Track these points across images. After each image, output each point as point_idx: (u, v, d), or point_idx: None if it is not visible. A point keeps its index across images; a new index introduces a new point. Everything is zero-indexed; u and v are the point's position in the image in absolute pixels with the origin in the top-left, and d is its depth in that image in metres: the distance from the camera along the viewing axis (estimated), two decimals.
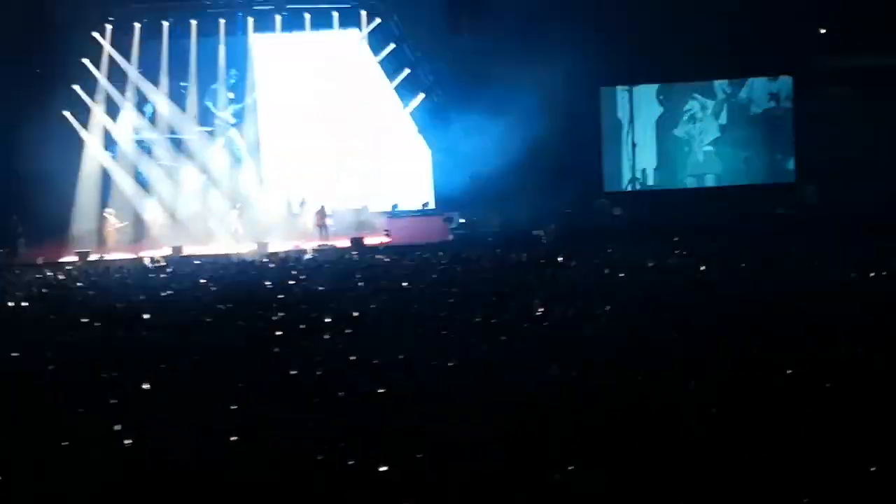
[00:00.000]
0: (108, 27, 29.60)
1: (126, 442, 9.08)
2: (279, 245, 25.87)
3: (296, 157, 29.89)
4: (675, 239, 19.86)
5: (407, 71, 29.77)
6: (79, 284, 19.41)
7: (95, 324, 15.01)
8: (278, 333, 13.64)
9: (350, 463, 8.28)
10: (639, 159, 29.00)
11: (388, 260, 21.14)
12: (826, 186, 25.99)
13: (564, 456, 8.03)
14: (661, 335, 12.39)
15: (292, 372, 11.50)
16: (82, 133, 28.61)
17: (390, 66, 29.99)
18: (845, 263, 16.64)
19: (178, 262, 23.13)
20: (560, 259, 19.42)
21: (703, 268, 17.27)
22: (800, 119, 27.91)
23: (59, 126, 28.04)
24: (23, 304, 17.55)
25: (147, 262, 22.66)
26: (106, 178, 28.99)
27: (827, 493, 6.99)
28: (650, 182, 29.19)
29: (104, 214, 27.22)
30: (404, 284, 17.50)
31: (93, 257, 24.83)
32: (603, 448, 8.24)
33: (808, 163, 27.34)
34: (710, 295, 14.74)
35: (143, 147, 29.87)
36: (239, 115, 30.27)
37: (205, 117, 30.17)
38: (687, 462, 7.89)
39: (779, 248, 18.94)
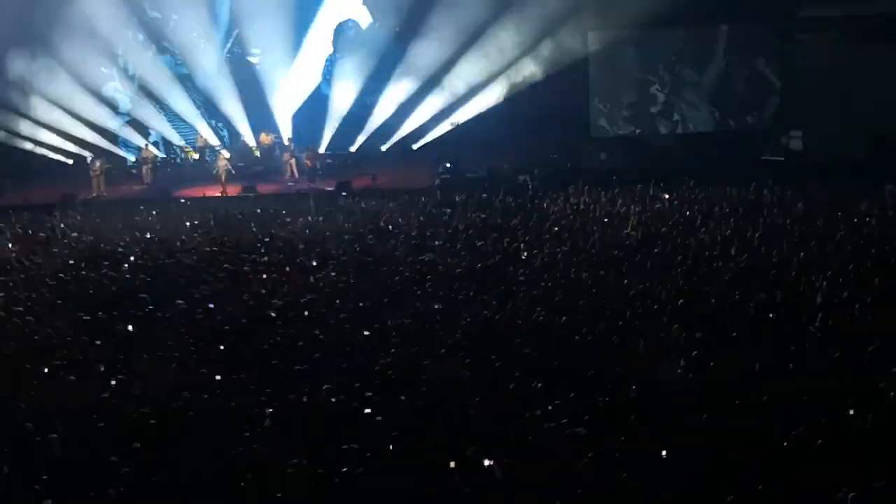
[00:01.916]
0: None
1: (112, 382, 9.19)
2: (267, 187, 25.78)
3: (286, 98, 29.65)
4: (661, 184, 19.90)
5: None
6: (62, 226, 19.36)
7: (81, 265, 15.01)
8: (263, 276, 13.70)
9: (333, 401, 8.39)
10: (625, 104, 28.87)
11: (374, 203, 21.13)
12: (811, 133, 26.02)
13: (549, 402, 8.15)
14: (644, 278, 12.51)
15: (272, 313, 11.57)
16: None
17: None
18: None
19: (166, 203, 23.02)
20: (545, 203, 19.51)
21: (688, 212, 17.38)
22: (785, 66, 27.81)
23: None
24: (10, 245, 17.52)
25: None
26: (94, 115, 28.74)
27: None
28: (636, 127, 29.07)
29: (90, 157, 26.97)
30: (390, 227, 17.52)
31: (80, 198, 24.70)
32: (584, 394, 8.36)
33: (793, 110, 27.26)
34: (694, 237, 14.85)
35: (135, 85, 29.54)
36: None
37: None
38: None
39: (760, 190, 19.06)
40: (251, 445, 7.49)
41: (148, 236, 17.59)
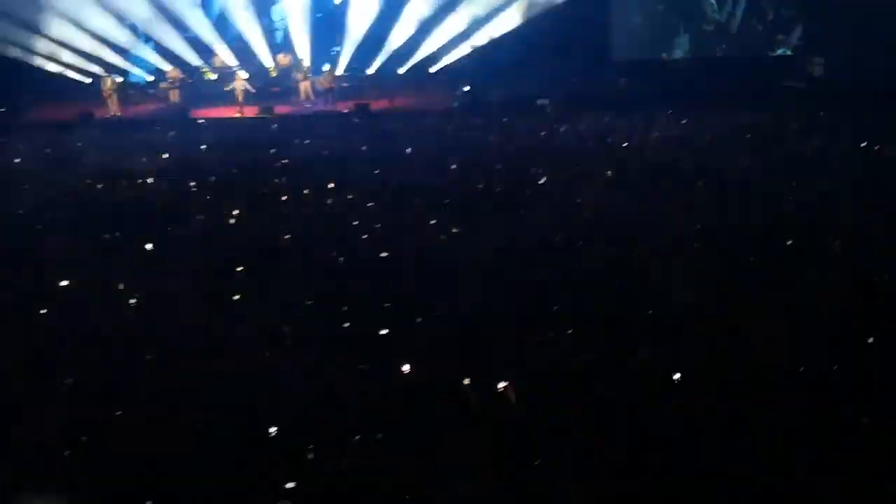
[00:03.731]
0: None
1: (130, 301, 9.26)
2: (285, 108, 25.69)
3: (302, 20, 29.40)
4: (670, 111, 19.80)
5: None
6: (79, 144, 19.39)
7: (98, 185, 15.05)
8: (282, 198, 13.70)
9: (346, 325, 8.43)
10: (647, 28, 28.48)
11: (392, 125, 21.06)
12: (833, 59, 25.69)
13: (559, 325, 8.18)
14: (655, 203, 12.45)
15: (287, 236, 11.58)
16: None
17: None
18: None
19: (184, 123, 23.02)
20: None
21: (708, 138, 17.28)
22: None
23: None
24: (27, 163, 17.59)
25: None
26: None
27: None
28: (657, 52, 28.71)
29: (103, 75, 26.86)
30: (408, 150, 17.45)
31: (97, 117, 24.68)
32: (594, 318, 8.39)
33: (815, 35, 26.86)
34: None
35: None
36: None
37: None
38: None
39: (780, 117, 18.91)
40: (271, 366, 7.53)
41: (165, 156, 17.59)
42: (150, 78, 28.85)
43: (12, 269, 10.41)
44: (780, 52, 28.10)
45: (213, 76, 29.08)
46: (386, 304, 8.84)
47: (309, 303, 8.98)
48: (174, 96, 27.23)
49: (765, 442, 6.07)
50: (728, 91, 23.22)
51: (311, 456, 6.11)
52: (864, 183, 13.21)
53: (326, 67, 27.46)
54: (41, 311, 8.93)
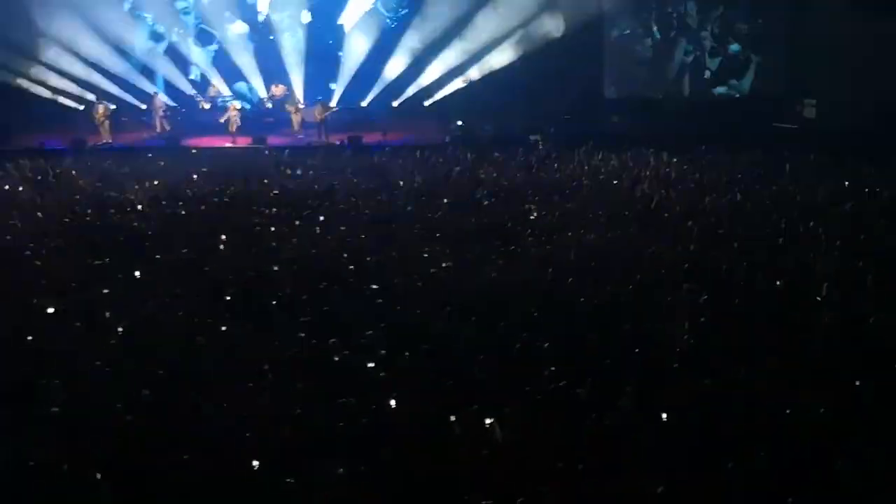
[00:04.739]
0: None
1: (118, 329, 9.19)
2: (278, 139, 25.74)
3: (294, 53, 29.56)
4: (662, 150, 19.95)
5: None
6: (73, 172, 19.35)
7: (88, 211, 15.00)
8: (272, 229, 13.66)
9: (336, 360, 8.37)
10: (638, 67, 28.69)
11: (384, 158, 21.10)
12: (824, 102, 25.92)
13: (547, 362, 8.13)
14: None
15: (275, 268, 11.51)
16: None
17: None
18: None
19: (176, 152, 23.00)
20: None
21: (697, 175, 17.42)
22: (798, 34, 27.59)
23: None
24: (18, 188, 17.52)
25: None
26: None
27: None
28: (648, 91, 28.92)
29: (96, 101, 26.84)
30: (400, 183, 17.46)
31: (88, 144, 24.65)
32: (583, 356, 8.35)
33: (805, 78, 27.10)
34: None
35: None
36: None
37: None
38: None
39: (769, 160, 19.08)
40: (255, 397, 7.47)
41: (157, 184, 17.55)
42: (144, 107, 28.89)
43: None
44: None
45: (207, 106, 29.16)
46: (374, 338, 8.78)
47: (297, 334, 8.92)
48: (160, 124, 27.22)
49: (753, 481, 6.05)
50: (718, 130, 23.37)
51: (293, 489, 6.05)
52: (854, 225, 13.25)
53: (319, 99, 27.59)
54: (28, 338, 8.85)
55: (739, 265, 11.11)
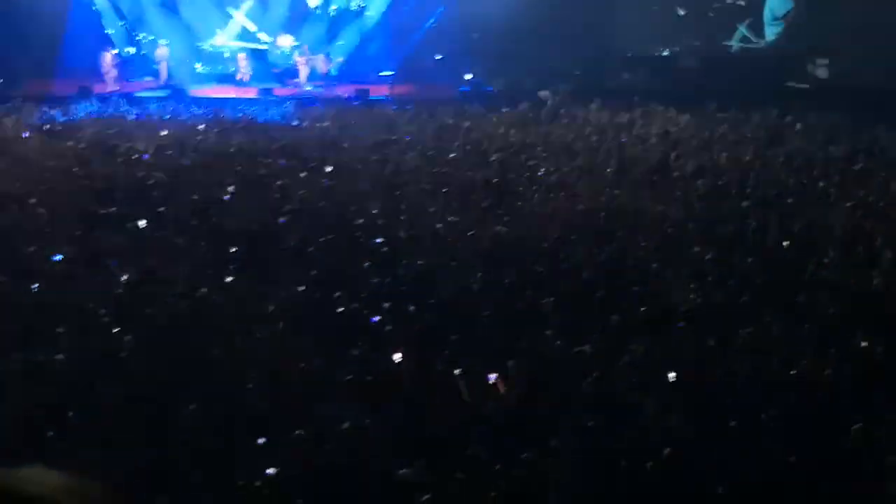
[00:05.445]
0: None
1: (123, 278, 9.17)
2: (285, 90, 25.61)
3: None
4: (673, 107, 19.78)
5: None
6: (79, 118, 19.27)
7: (94, 159, 14.93)
8: (279, 182, 13.58)
9: (340, 310, 8.36)
10: (651, 23, 28.39)
11: (391, 111, 20.98)
12: (836, 61, 25.69)
13: (552, 317, 8.12)
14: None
15: (281, 220, 11.45)
16: None
17: None
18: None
19: (182, 101, 22.87)
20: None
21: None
22: None
23: None
24: (25, 135, 17.45)
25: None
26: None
27: None
28: (661, 47, 28.65)
29: (104, 50, 26.68)
30: (406, 138, 17.36)
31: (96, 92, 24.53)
32: (588, 312, 8.33)
33: (822, 36, 26.78)
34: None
35: None
36: None
37: None
38: None
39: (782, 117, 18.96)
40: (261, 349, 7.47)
41: (163, 133, 17.45)
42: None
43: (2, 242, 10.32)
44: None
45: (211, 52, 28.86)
46: (380, 292, 8.77)
47: (301, 287, 8.90)
48: (163, 73, 26.99)
49: (758, 441, 6.04)
50: (730, 88, 23.16)
51: (298, 441, 6.05)
52: (864, 184, 13.17)
53: (325, 51, 27.38)
54: (32, 287, 8.84)
55: (748, 224, 11.07)
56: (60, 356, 7.20)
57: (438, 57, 26.08)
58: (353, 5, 29.19)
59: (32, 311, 8.26)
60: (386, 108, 22.03)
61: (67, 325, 7.79)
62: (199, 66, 28.48)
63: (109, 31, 28.28)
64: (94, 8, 28.21)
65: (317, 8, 29.18)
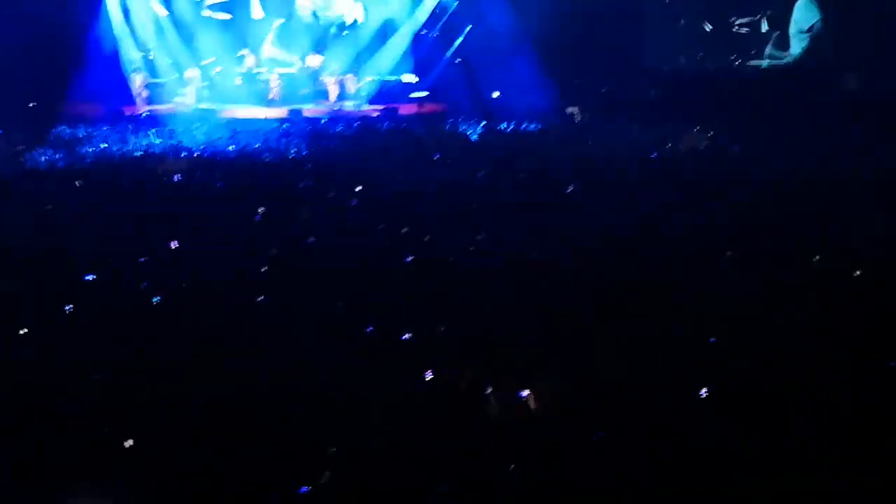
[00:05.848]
0: None
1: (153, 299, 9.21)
2: (313, 110, 25.73)
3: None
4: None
5: None
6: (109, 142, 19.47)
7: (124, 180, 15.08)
8: (303, 202, 13.63)
9: (369, 330, 8.35)
10: (678, 37, 28.30)
11: (421, 130, 21.06)
12: (867, 74, 25.49)
13: (584, 335, 8.07)
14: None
15: (311, 240, 11.48)
16: None
17: None
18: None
19: (210, 121, 23.04)
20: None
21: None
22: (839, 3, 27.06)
23: None
24: (56, 156, 17.66)
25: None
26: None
27: None
28: (688, 62, 28.54)
29: (134, 72, 26.91)
30: (436, 157, 17.40)
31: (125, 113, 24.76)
32: (605, 321, 8.30)
33: (849, 49, 26.58)
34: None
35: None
36: None
37: None
38: None
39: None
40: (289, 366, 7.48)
41: (195, 155, 17.60)
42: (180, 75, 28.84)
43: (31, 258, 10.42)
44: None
45: (241, 77, 29.02)
46: (409, 309, 8.76)
47: (331, 304, 8.92)
48: (192, 95, 27.08)
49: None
50: (760, 103, 23.05)
51: (327, 459, 6.03)
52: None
53: (354, 70, 27.47)
54: (62, 304, 8.89)
55: (780, 238, 11.00)
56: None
57: (458, 60, 26.11)
58: (380, 25, 29.27)
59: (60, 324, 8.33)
60: (415, 125, 22.12)
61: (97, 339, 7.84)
62: (235, 82, 28.56)
63: (133, 55, 28.41)
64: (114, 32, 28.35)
65: (345, 28, 29.28)
